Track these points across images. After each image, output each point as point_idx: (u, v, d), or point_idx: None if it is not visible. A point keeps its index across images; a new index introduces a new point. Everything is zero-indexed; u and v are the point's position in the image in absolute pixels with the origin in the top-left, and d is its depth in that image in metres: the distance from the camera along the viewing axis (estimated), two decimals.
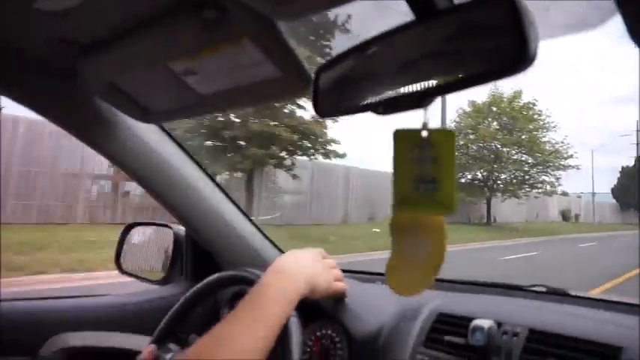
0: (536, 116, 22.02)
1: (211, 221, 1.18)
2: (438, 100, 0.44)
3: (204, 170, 1.17)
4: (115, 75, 0.72)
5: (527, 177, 22.53)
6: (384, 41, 0.45)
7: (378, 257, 7.40)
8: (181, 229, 1.30)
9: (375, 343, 0.97)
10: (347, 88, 0.50)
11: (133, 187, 11.91)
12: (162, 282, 1.30)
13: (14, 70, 0.81)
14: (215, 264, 1.23)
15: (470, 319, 0.87)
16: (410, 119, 0.48)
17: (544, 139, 22.13)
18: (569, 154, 22.37)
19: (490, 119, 22.01)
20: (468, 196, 20.66)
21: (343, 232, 13.28)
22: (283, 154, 13.02)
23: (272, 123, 12.31)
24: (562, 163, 22.24)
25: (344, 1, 0.44)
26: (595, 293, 1.17)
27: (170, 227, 1.33)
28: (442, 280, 1.22)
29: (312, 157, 14.03)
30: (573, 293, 1.07)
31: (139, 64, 0.67)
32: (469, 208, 21.76)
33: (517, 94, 21.79)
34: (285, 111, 12.67)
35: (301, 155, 13.64)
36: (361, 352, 0.96)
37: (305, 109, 12.51)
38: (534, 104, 22.01)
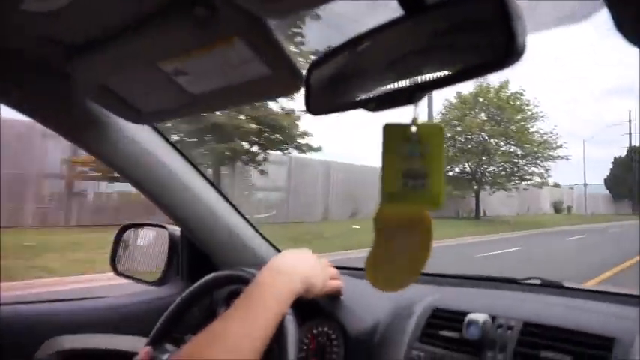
0: (524, 106, 21.71)
1: (206, 221, 1.18)
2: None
3: (198, 170, 1.17)
4: (106, 76, 0.71)
5: (515, 169, 22.23)
6: (374, 37, 0.46)
7: (355, 256, 6.83)
8: (176, 229, 1.30)
9: (371, 339, 0.97)
10: (338, 85, 0.50)
11: (91, 187, 11.38)
12: (158, 283, 1.29)
13: (3, 71, 0.80)
14: (211, 264, 1.23)
15: (465, 314, 0.88)
16: (398, 114, 0.47)
17: (532, 130, 21.83)
18: (558, 144, 22.11)
19: (477, 110, 21.69)
20: (454, 190, 20.24)
21: (321, 229, 12.40)
22: (255, 148, 12.28)
23: (239, 116, 11.38)
24: (551, 153, 21.97)
25: None
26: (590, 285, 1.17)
27: (165, 228, 1.33)
28: (437, 275, 1.22)
29: (286, 151, 13.33)
30: (568, 285, 1.08)
31: (130, 65, 0.67)
32: (457, 202, 21.32)
33: (504, 84, 21.50)
34: None
35: (274, 150, 12.94)
36: (357, 348, 0.97)
37: (275, 101, 11.40)
38: (522, 94, 21.69)
